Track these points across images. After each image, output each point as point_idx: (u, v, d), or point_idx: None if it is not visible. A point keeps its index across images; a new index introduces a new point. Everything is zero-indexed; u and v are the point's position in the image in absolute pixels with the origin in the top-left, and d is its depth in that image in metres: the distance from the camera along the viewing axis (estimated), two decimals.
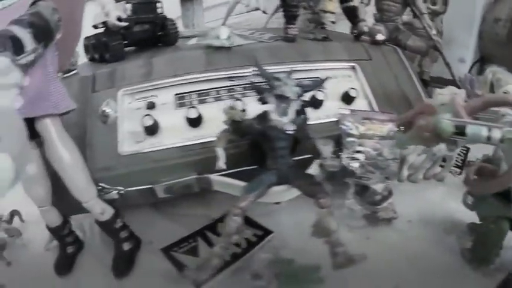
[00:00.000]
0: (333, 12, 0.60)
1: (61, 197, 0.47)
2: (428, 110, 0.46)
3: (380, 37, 0.60)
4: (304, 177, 0.43)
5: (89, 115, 0.49)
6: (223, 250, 0.39)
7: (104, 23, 0.57)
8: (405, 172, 0.59)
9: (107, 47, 0.56)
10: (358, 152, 0.51)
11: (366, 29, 0.63)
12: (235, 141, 0.44)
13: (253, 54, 0.45)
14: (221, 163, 0.42)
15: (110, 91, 0.50)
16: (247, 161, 0.46)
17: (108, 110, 0.49)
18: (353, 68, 0.58)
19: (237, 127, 0.41)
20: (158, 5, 0.61)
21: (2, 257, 0.53)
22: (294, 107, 0.40)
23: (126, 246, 0.49)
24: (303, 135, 0.44)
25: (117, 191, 0.48)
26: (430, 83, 0.72)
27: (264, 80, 0.41)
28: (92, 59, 0.62)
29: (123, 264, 0.48)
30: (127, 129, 0.48)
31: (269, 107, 0.41)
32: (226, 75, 0.51)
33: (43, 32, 0.37)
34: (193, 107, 0.47)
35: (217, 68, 0.52)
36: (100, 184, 0.47)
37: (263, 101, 0.41)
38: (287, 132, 0.41)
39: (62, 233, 0.51)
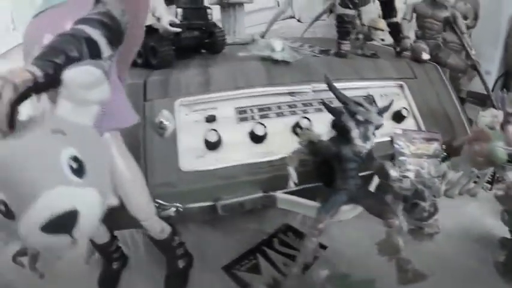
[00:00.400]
0: (383, 30, 0.62)
1: (109, 212, 0.45)
2: (483, 137, 0.50)
3: (425, 56, 0.63)
4: (373, 197, 0.45)
5: (143, 126, 0.47)
6: (300, 270, 0.41)
7: (149, 27, 0.55)
8: (443, 187, 0.63)
9: (156, 52, 0.53)
10: (408, 170, 0.54)
11: (409, 46, 0.65)
12: (307, 161, 0.45)
13: (323, 73, 0.45)
14: (292, 183, 0.43)
15: (165, 101, 0.49)
16: (311, 179, 0.47)
17: (165, 122, 0.47)
18: (401, 86, 0.60)
19: (313, 148, 0.42)
20: (208, 11, 0.60)
21: (34, 268, 0.50)
22: (372, 131, 0.41)
23: (181, 264, 0.48)
24: (369, 156, 0.46)
25: (175, 208, 0.47)
26: (466, 100, 0.76)
27: (342, 104, 0.42)
28: (132, 64, 0.59)
29: (178, 282, 0.48)
30: (186, 143, 0.47)
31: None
32: (288, 91, 0.52)
33: (115, 36, 0.33)
34: (260, 123, 0.47)
35: (279, 83, 0.52)
36: (157, 201, 0.46)
37: (339, 124, 0.42)
38: (360, 154, 0.42)
39: (109, 250, 0.49)
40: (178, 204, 0.46)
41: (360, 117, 0.40)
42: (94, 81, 0.27)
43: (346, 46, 0.61)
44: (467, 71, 0.72)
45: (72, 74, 0.27)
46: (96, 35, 0.31)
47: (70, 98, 0.28)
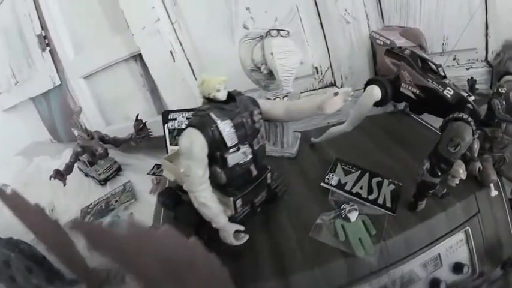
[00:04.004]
0: (460, 179, 0.62)
1: None
2: None
3: (493, 193, 0.65)
4: None
5: None
6: None
7: None
8: None
9: None
10: None
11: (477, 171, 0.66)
12: None
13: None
14: None
15: None
16: None
17: None
18: (466, 231, 0.65)
19: None
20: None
21: None
22: None
23: None
24: None
25: None
26: None
27: None
28: None
29: None
30: None
31: None
32: (367, 285, 0.57)
33: None
34: None
35: (359, 278, 0.56)
36: None
37: None
38: None
39: None
40: None
41: None
42: None
43: (422, 205, 0.62)
44: None
45: None
46: None
47: None
